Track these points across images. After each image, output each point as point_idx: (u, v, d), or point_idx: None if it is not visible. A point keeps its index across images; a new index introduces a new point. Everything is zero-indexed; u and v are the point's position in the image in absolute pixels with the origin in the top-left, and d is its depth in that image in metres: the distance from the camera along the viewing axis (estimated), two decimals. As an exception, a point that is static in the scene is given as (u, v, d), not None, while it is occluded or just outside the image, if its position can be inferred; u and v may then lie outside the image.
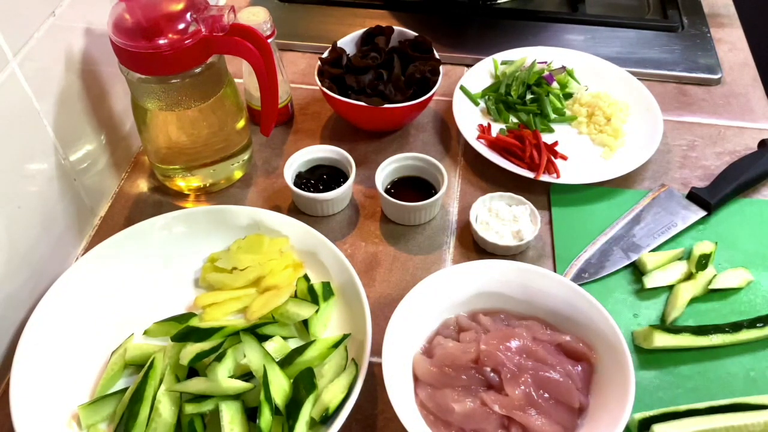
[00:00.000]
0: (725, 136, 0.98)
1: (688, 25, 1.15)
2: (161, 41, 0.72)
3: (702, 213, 0.85)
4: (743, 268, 0.80)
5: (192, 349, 0.67)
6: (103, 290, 0.75)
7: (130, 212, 0.88)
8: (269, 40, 0.85)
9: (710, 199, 0.85)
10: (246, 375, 0.67)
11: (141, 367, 0.69)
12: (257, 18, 0.86)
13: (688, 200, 0.87)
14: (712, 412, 0.66)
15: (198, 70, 0.77)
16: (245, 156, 0.91)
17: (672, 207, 0.86)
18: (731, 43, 1.14)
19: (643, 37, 1.13)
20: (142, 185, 0.92)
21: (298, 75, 1.07)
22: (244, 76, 0.94)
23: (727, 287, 0.78)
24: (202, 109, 0.81)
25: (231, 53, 0.77)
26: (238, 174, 0.91)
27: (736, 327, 0.73)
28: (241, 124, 0.88)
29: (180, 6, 0.74)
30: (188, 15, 0.73)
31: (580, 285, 0.77)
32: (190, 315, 0.74)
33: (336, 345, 0.69)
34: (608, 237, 0.83)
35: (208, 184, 0.89)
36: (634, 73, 1.02)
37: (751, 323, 0.73)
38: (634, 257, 0.81)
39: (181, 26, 0.73)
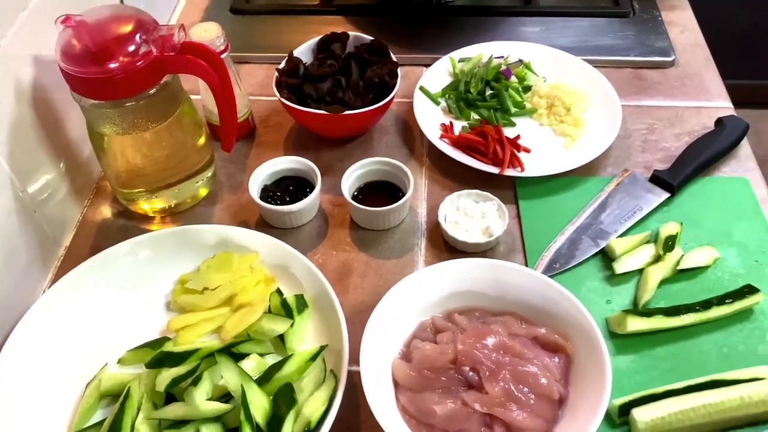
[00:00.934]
0: (683, 117, 1.00)
1: (639, 10, 1.17)
2: (112, 65, 0.71)
3: (665, 195, 0.86)
4: (709, 246, 0.81)
5: (168, 375, 0.66)
6: (73, 322, 0.74)
7: (95, 240, 0.87)
8: (223, 56, 0.85)
9: (672, 180, 0.86)
10: (225, 396, 0.67)
11: (117, 397, 0.68)
12: (209, 34, 0.85)
13: (651, 183, 0.88)
14: (689, 391, 0.67)
15: (152, 91, 0.75)
16: (209, 173, 0.90)
17: (636, 191, 0.87)
18: (682, 24, 1.16)
19: (597, 25, 1.14)
20: (106, 211, 0.90)
21: (256, 87, 1.07)
22: (201, 92, 0.93)
23: (695, 266, 0.79)
24: (160, 130, 0.80)
25: (184, 72, 0.76)
26: (203, 192, 0.90)
27: (706, 305, 0.74)
28: (202, 141, 0.87)
29: (128, 28, 0.73)
30: (138, 36, 0.72)
31: (551, 276, 0.78)
32: (164, 340, 0.73)
33: (313, 358, 0.68)
34: (576, 226, 0.84)
35: (173, 205, 0.88)
36: (590, 62, 1.03)
37: (721, 300, 0.75)
38: (602, 244, 0.82)
39: (131, 48, 0.72)
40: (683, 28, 1.15)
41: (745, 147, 0.94)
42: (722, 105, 1.01)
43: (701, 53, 1.10)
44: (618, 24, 1.14)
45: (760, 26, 2.10)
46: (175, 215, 0.89)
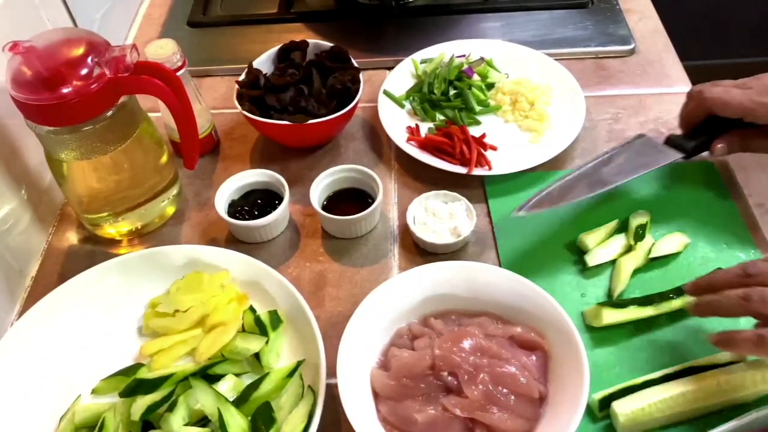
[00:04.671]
0: (646, 105, 1.00)
1: (597, 0, 1.17)
2: (65, 90, 0.69)
3: (680, 155, 0.82)
4: (679, 233, 0.81)
5: (142, 403, 0.64)
6: (43, 354, 0.72)
7: (62, 268, 0.85)
8: (180, 72, 0.83)
9: (689, 145, 0.82)
10: (202, 420, 0.66)
11: (93, 428, 0.66)
12: (165, 51, 0.84)
13: (665, 145, 0.84)
14: (668, 379, 0.67)
15: (109, 113, 0.74)
16: (174, 191, 0.88)
17: (647, 151, 0.83)
18: (640, 12, 1.16)
19: (556, 17, 1.14)
20: (72, 237, 0.88)
21: (219, 100, 1.05)
22: (161, 109, 0.91)
23: (667, 254, 0.80)
24: (120, 152, 0.78)
25: (140, 92, 0.75)
26: (170, 210, 0.89)
27: (679, 292, 0.74)
28: (164, 159, 0.85)
29: (80, 51, 0.71)
30: (89, 59, 0.71)
31: (530, 208, 0.77)
32: (137, 366, 0.72)
33: (291, 374, 0.67)
34: (575, 175, 0.81)
35: (139, 227, 0.86)
36: (551, 54, 1.03)
37: (693, 286, 0.75)
38: (597, 190, 0.78)
39: (84, 71, 0.70)
40: (641, 15, 1.16)
41: (708, 131, 0.95)
42: (684, 90, 1.02)
43: (660, 39, 1.11)
44: (577, 15, 1.14)
45: (712, 6, 2.12)
46: (143, 236, 0.87)
